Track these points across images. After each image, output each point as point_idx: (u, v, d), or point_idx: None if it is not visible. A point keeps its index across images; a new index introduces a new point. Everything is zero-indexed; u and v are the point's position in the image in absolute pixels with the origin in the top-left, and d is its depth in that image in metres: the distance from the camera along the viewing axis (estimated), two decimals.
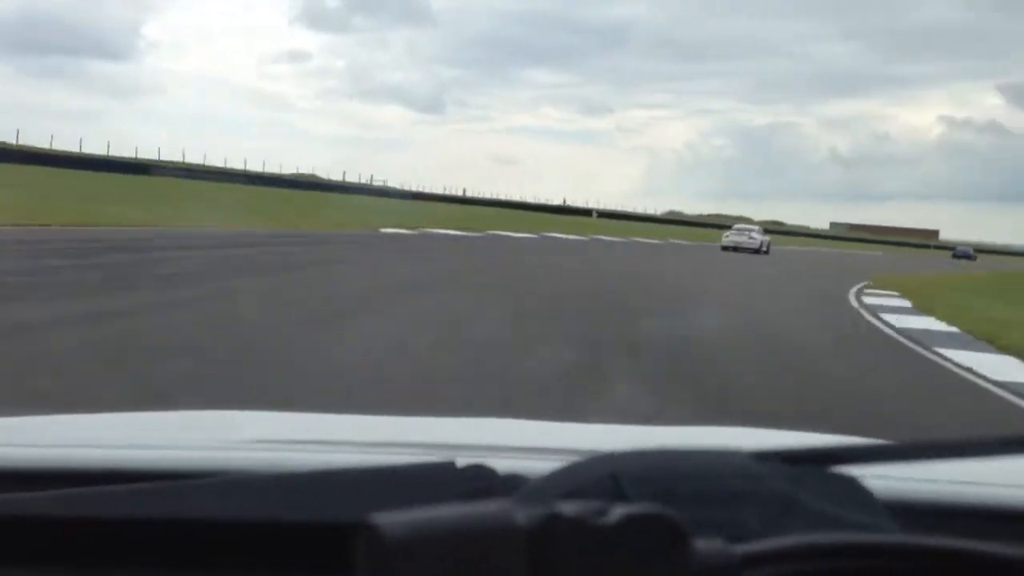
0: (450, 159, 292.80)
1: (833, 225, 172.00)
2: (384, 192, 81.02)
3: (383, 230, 33.45)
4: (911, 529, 0.80)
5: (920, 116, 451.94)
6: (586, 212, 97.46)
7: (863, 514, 0.79)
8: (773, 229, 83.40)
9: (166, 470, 1.06)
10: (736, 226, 51.26)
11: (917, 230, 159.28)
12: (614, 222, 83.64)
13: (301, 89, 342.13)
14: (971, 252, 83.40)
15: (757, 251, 43.30)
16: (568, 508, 0.59)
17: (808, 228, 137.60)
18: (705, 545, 0.62)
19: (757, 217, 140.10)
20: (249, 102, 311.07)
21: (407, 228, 35.01)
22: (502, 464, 0.89)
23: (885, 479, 0.93)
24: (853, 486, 0.82)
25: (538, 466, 0.87)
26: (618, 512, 0.59)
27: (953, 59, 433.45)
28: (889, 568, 0.69)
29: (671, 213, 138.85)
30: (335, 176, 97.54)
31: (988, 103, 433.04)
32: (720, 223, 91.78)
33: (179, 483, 0.92)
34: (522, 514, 0.58)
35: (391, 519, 0.56)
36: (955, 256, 78.51)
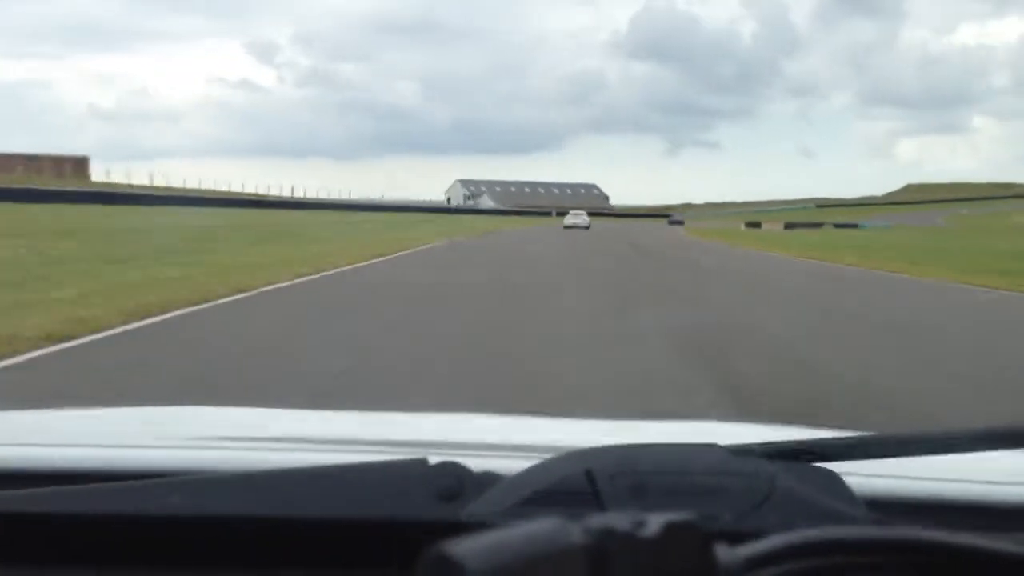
0: None
1: None
2: None
3: None
4: (885, 522, 0.80)
5: (181, 72, 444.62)
6: None
7: (839, 508, 0.80)
8: None
9: (133, 469, 1.02)
10: (572, 212, 73.11)
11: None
12: None
13: None
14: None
15: (586, 228, 62.12)
16: (618, 522, 0.58)
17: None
18: (719, 549, 0.62)
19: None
20: None
21: None
22: (475, 462, 0.88)
23: (861, 474, 0.93)
24: (830, 480, 0.83)
25: (511, 464, 0.89)
26: (658, 522, 0.59)
27: (205, 17, 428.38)
28: (880, 563, 0.67)
29: None
30: None
31: (239, 60, 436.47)
32: None
33: (147, 481, 0.90)
34: (577, 531, 0.57)
35: (464, 546, 0.54)
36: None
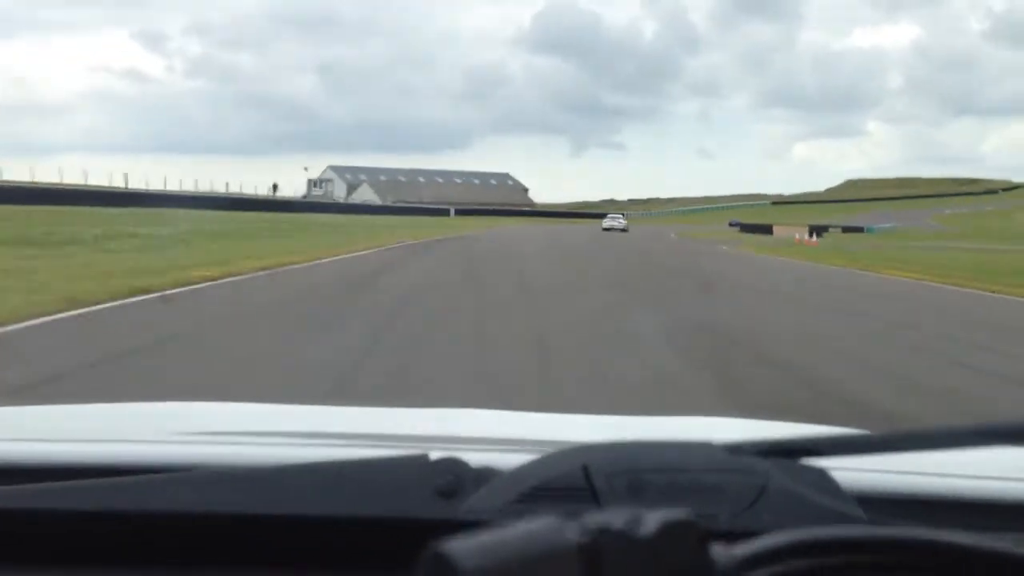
0: None
1: None
2: None
3: None
4: (879, 520, 0.81)
5: (66, 64, 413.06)
6: None
7: (833, 506, 0.80)
8: None
9: (134, 464, 1.01)
10: (610, 214, 77.53)
11: None
12: None
13: None
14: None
15: (623, 230, 63.63)
16: (613, 519, 0.58)
17: None
18: (715, 548, 0.62)
19: None
20: None
21: None
22: (474, 457, 0.88)
23: (855, 471, 0.93)
24: (824, 478, 0.84)
25: (510, 459, 0.89)
26: (654, 520, 0.59)
27: (91, 6, 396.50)
28: (874, 562, 0.67)
29: None
30: None
31: (127, 50, 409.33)
32: None
33: (146, 477, 0.91)
34: (573, 529, 0.57)
35: (461, 545, 0.54)
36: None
